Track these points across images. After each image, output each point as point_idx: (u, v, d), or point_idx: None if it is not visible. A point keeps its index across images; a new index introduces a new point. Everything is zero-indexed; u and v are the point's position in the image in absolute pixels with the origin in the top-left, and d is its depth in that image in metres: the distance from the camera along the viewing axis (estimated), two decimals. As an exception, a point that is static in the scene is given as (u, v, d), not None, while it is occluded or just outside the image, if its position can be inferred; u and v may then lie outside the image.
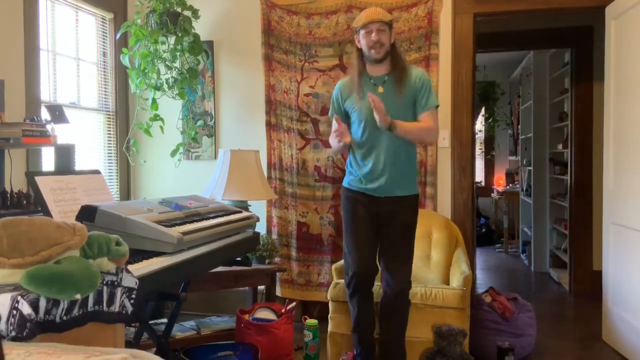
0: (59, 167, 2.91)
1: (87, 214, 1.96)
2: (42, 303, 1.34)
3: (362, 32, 2.67)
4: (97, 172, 2.44)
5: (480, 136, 8.43)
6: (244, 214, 2.71)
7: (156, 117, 3.76)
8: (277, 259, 3.68)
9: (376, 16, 2.63)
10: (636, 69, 3.17)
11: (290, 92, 3.89)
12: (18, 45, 3.15)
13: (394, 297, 2.73)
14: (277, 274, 3.62)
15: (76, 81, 3.74)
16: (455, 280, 3.03)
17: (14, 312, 1.28)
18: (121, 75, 4.05)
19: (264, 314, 3.13)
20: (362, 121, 2.69)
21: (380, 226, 2.73)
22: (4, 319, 1.27)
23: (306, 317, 3.25)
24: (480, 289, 4.63)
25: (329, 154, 3.80)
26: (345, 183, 2.85)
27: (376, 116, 2.54)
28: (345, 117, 2.80)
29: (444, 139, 3.70)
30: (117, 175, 4.09)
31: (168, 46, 3.65)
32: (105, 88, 4.02)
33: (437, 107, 2.75)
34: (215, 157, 3.95)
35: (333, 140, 2.80)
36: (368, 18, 2.64)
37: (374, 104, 2.52)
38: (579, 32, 4.73)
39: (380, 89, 2.69)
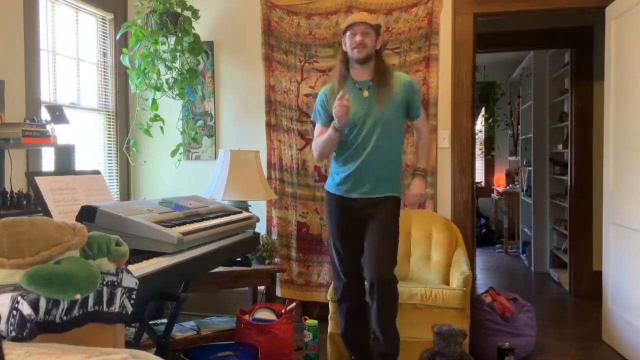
0: (59, 168, 2.91)
1: (87, 214, 1.96)
2: (42, 303, 1.34)
3: (347, 33, 2.68)
4: (97, 172, 2.44)
5: (480, 136, 8.43)
6: (244, 214, 2.71)
7: (156, 118, 3.76)
8: (277, 260, 3.68)
9: (361, 18, 2.67)
10: (636, 69, 3.17)
11: (290, 93, 3.89)
12: (18, 45, 3.15)
13: (373, 288, 2.62)
14: (277, 274, 3.62)
15: (76, 81, 3.74)
16: (455, 281, 3.03)
17: (14, 312, 1.28)
18: (121, 76, 4.05)
19: (264, 314, 3.13)
20: (349, 125, 2.68)
21: (362, 224, 2.73)
22: (4, 319, 1.27)
23: (306, 317, 3.25)
24: (480, 290, 4.63)
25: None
26: (327, 186, 2.84)
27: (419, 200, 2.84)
28: (331, 118, 2.77)
29: (444, 139, 3.70)
30: (117, 176, 4.09)
31: (168, 46, 3.65)
32: (105, 88, 4.02)
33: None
34: (215, 158, 3.95)
35: (320, 137, 2.76)
36: (354, 19, 2.69)
37: (413, 203, 2.87)
38: (579, 32, 4.73)
39: (366, 94, 2.70)
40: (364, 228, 2.72)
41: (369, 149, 2.67)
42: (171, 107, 3.95)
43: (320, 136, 2.78)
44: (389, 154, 2.71)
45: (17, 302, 1.29)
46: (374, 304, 2.65)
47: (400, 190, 2.82)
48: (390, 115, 2.69)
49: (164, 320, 3.04)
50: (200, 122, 4.05)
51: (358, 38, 2.63)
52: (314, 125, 3.81)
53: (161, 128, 3.82)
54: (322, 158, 3.22)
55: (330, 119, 2.73)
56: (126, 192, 4.16)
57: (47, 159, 3.25)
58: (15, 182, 2.75)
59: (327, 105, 2.77)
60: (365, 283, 2.73)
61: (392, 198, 2.75)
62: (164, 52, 3.65)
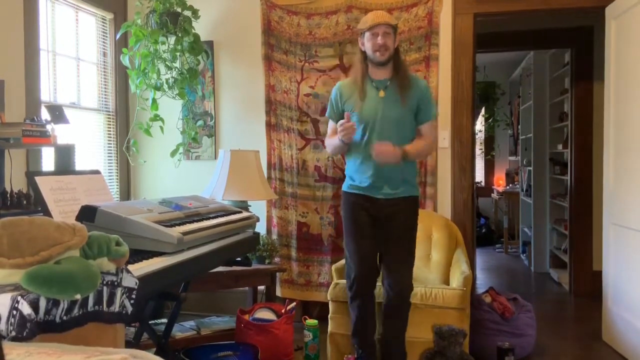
0: (59, 167, 2.91)
1: (87, 214, 1.96)
2: (42, 303, 1.34)
3: (367, 34, 2.68)
4: (97, 172, 2.44)
5: (480, 136, 8.43)
6: (244, 214, 2.71)
7: (156, 117, 3.76)
8: (277, 259, 3.68)
9: (383, 19, 2.66)
10: (636, 69, 3.17)
11: (290, 92, 3.89)
12: (18, 45, 3.15)
13: (395, 298, 2.73)
14: (277, 274, 3.62)
15: (76, 81, 3.74)
16: (455, 281, 3.03)
17: (14, 312, 1.28)
18: (121, 76, 4.05)
19: (264, 314, 3.13)
20: (363, 123, 2.69)
21: (381, 229, 2.74)
22: (4, 319, 1.27)
23: (306, 317, 3.25)
24: (480, 289, 4.63)
25: (329, 155, 3.80)
26: (345, 187, 2.85)
27: (385, 159, 2.60)
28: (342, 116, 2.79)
29: (444, 139, 3.70)
30: (117, 176, 4.09)
31: (168, 46, 3.65)
32: (105, 88, 4.02)
33: (436, 117, 2.82)
34: (215, 157, 3.95)
35: (331, 140, 2.79)
36: (375, 20, 2.66)
37: (378, 154, 2.57)
38: (579, 32, 4.73)
39: (382, 93, 2.71)
40: (381, 228, 2.73)
41: None
42: (171, 107, 3.95)
43: (332, 136, 2.78)
44: None
45: (17, 302, 1.29)
46: (390, 311, 2.74)
47: (417, 189, 2.85)
48: (405, 116, 2.71)
49: (164, 320, 3.04)
50: (200, 122, 4.05)
51: (380, 40, 2.63)
52: (314, 123, 3.84)
53: (161, 128, 3.82)
54: (335, 154, 3.25)
55: (341, 117, 2.74)
56: (126, 192, 4.16)
57: (47, 159, 3.25)
58: (15, 182, 2.75)
59: (340, 102, 2.78)
60: (382, 289, 2.79)
61: (411, 198, 2.77)
62: (164, 51, 3.65)
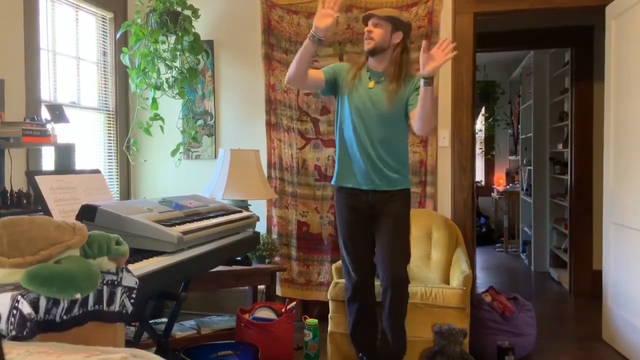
0: (59, 167, 2.91)
1: (87, 213, 1.96)
2: (42, 302, 1.34)
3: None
4: (97, 171, 2.44)
5: (480, 136, 8.43)
6: (244, 213, 2.71)
7: (156, 117, 3.76)
8: (277, 259, 3.68)
9: (373, 12, 2.73)
10: (636, 68, 3.17)
11: (291, 92, 3.89)
12: (18, 45, 3.14)
13: (387, 288, 2.66)
14: (277, 273, 3.62)
15: (76, 80, 3.74)
16: (456, 280, 3.03)
17: (14, 311, 1.28)
18: (121, 75, 4.05)
19: (264, 313, 3.13)
20: (353, 111, 2.69)
21: (372, 221, 2.72)
22: (4, 318, 1.27)
23: (306, 316, 3.25)
24: (480, 289, 4.63)
25: (329, 154, 3.80)
26: (334, 181, 2.83)
27: (431, 63, 2.55)
28: (333, 85, 2.75)
29: (444, 138, 3.70)
30: (117, 175, 4.09)
31: (168, 45, 3.65)
32: (105, 87, 4.02)
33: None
34: (216, 157, 3.95)
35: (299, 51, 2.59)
36: (367, 13, 2.75)
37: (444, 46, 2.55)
38: (580, 31, 4.73)
39: (371, 85, 2.70)
40: (374, 225, 2.72)
41: (373, 140, 2.66)
42: (171, 106, 3.95)
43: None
44: (394, 145, 2.70)
45: (17, 302, 1.29)
46: (386, 304, 2.68)
47: (408, 182, 2.80)
48: (394, 110, 2.67)
49: (164, 320, 3.04)
50: (200, 121, 4.05)
51: (367, 29, 2.69)
52: (314, 122, 3.84)
53: (161, 127, 3.82)
54: (292, 77, 2.62)
55: (332, 79, 2.74)
56: (126, 191, 4.16)
57: (47, 158, 3.25)
58: (15, 181, 2.75)
59: (337, 71, 2.77)
60: (377, 283, 2.75)
61: (401, 192, 2.74)
62: (164, 51, 3.65)
